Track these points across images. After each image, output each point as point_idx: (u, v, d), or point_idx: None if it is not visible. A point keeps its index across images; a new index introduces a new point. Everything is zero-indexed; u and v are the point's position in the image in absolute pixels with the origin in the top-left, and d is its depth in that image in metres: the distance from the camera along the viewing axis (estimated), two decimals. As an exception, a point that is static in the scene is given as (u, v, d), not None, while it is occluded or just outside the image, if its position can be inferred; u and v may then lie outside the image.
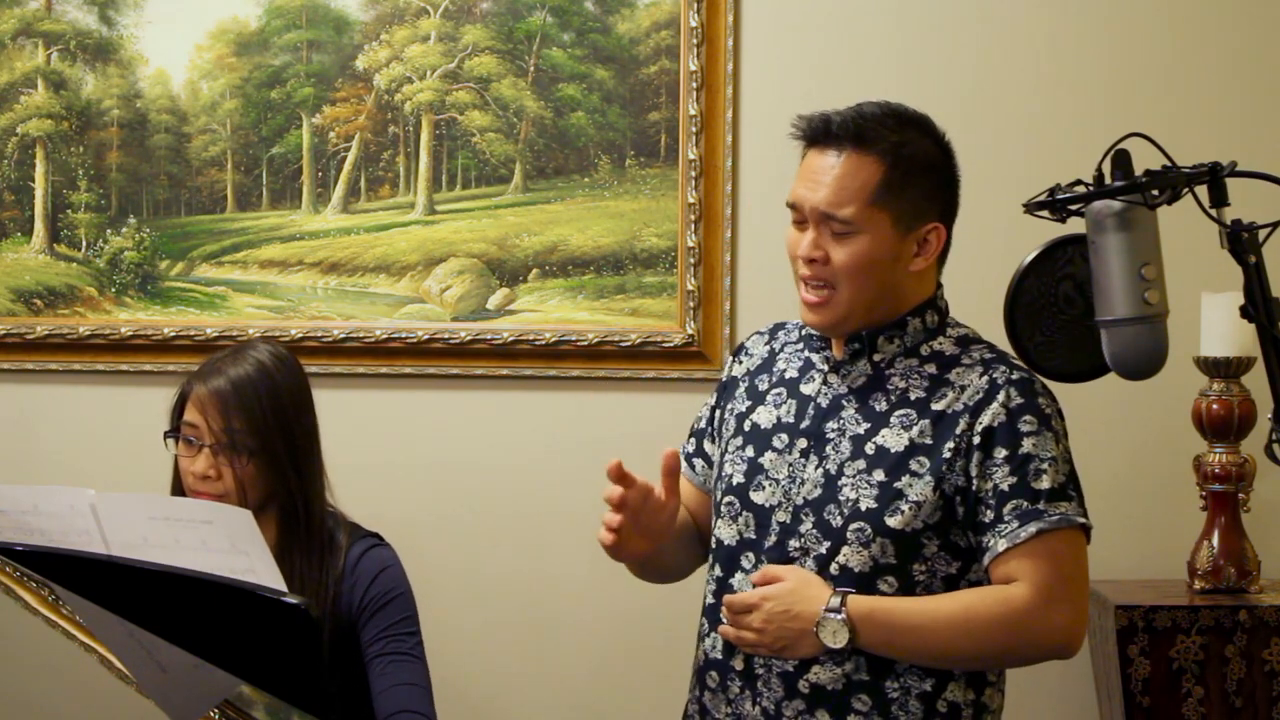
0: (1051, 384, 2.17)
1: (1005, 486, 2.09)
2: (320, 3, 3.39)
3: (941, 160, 2.20)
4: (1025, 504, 2.08)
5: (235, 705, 2.08)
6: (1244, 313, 1.94)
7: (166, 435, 2.52)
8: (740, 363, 2.37)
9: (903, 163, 2.13)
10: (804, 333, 2.32)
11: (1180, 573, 3.12)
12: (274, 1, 3.39)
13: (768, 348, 2.36)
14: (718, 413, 2.38)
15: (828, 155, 2.15)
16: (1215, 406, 3.04)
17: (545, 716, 3.39)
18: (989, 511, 2.10)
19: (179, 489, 2.52)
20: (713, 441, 2.39)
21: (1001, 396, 2.12)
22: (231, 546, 1.90)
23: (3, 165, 3.45)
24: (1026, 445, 2.10)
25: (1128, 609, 2.92)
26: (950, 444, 2.12)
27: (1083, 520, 2.12)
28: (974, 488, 2.11)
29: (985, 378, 2.14)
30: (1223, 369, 3.04)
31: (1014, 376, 2.14)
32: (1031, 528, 2.07)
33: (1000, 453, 2.10)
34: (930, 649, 2.10)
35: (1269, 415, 1.92)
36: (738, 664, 2.19)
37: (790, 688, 2.14)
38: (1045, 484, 2.09)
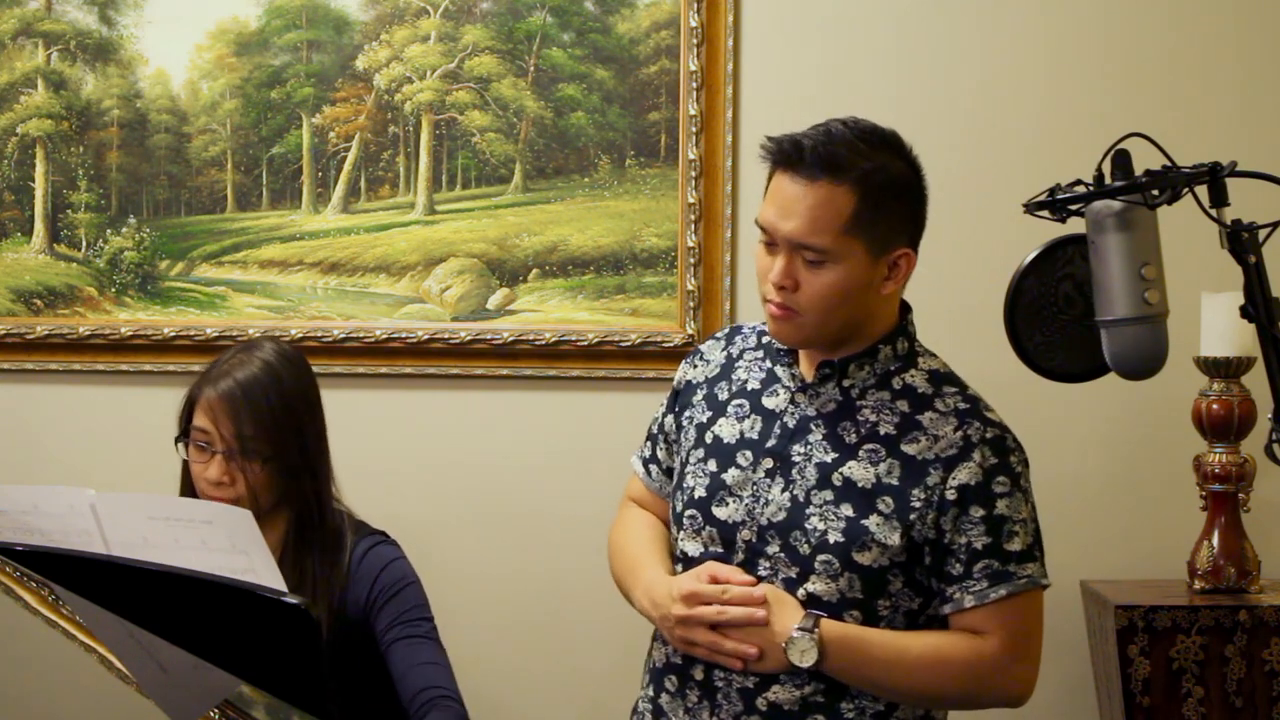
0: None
1: (979, 545, 2.12)
2: (320, 3, 3.39)
3: (913, 182, 2.17)
4: (996, 564, 2.12)
5: (235, 705, 2.09)
6: (1244, 313, 1.94)
7: (177, 440, 2.50)
8: (695, 367, 2.36)
9: (875, 191, 2.11)
10: (764, 340, 2.31)
11: (1180, 573, 3.12)
12: (274, 1, 3.39)
13: (724, 354, 2.34)
14: (670, 419, 2.37)
15: (799, 183, 2.11)
16: (1215, 406, 3.04)
17: (543, 715, 3.39)
18: (958, 565, 2.13)
19: (188, 492, 2.51)
20: (666, 449, 2.38)
21: (977, 456, 2.13)
22: (231, 546, 1.90)
23: (3, 165, 3.45)
24: (1000, 506, 2.13)
25: (1128, 609, 2.92)
26: (920, 494, 2.12)
27: (1045, 582, 2.17)
28: (945, 540, 2.13)
29: (959, 433, 2.15)
30: (1223, 369, 3.04)
31: (988, 435, 2.15)
32: (1002, 590, 2.12)
33: (976, 512, 2.12)
34: (894, 683, 2.13)
35: (1269, 415, 1.92)
36: (697, 674, 2.19)
37: (749, 704, 2.15)
38: (1016, 546, 2.13)
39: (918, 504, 2.12)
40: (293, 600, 1.81)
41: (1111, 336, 2.02)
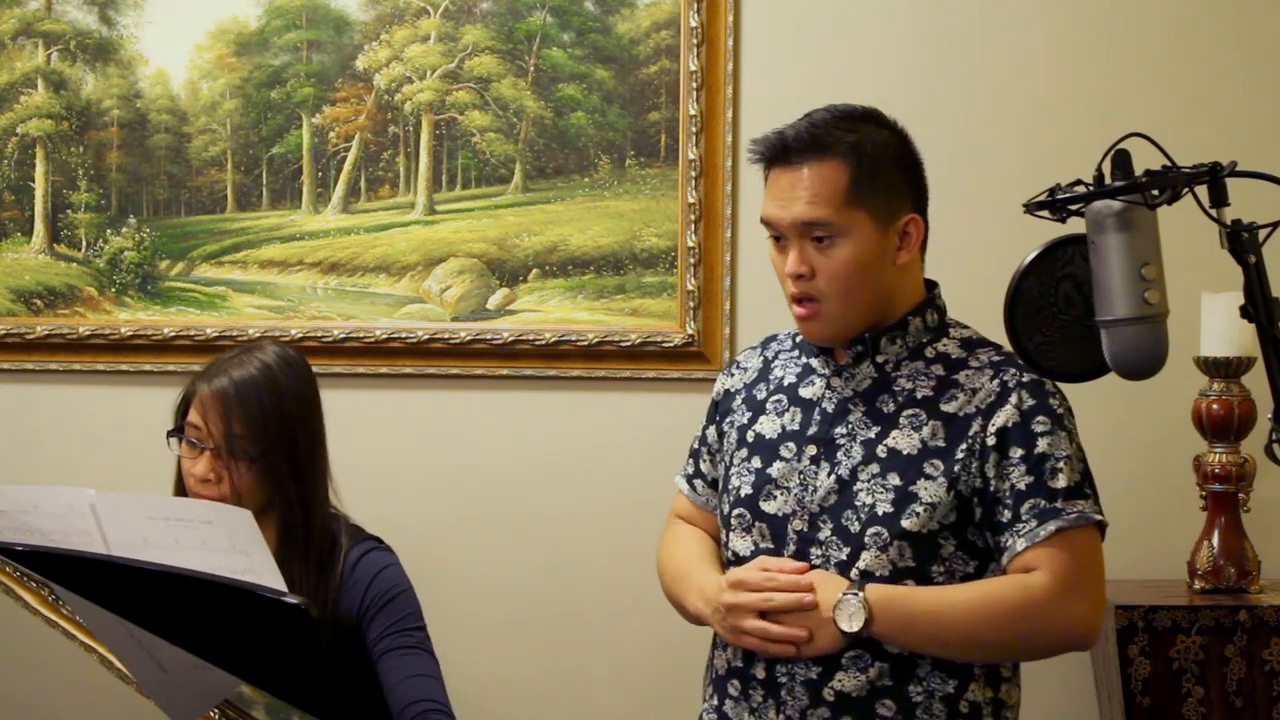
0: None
1: (1022, 486, 2.12)
2: (320, 3, 3.39)
3: (901, 147, 2.22)
4: (1043, 503, 2.12)
5: (235, 705, 2.09)
6: (1244, 313, 1.93)
7: (170, 434, 2.51)
8: (733, 376, 2.39)
9: (866, 158, 2.16)
10: (799, 340, 2.33)
11: (1180, 573, 3.12)
12: (274, 1, 3.39)
13: (761, 359, 2.37)
14: (711, 430, 2.39)
15: (792, 170, 2.16)
16: (1215, 406, 3.04)
17: (541, 715, 3.39)
18: (1006, 511, 2.13)
19: (182, 489, 2.51)
20: (710, 461, 2.39)
21: (1014, 399, 2.15)
22: (231, 546, 1.90)
23: (3, 165, 3.45)
24: (1041, 445, 2.13)
25: (1128, 609, 2.92)
26: (963, 445, 2.14)
27: (1099, 517, 2.15)
28: (991, 488, 2.13)
29: (996, 380, 2.17)
30: (1223, 369, 3.04)
31: (1024, 379, 2.17)
32: (1051, 526, 2.11)
33: (1016, 452, 2.13)
34: (948, 636, 2.12)
35: (1269, 415, 1.91)
36: (759, 672, 2.18)
37: (815, 695, 2.14)
38: (1062, 482, 2.13)
39: (962, 455, 2.13)
40: (293, 600, 1.81)
41: (1111, 336, 2.02)
